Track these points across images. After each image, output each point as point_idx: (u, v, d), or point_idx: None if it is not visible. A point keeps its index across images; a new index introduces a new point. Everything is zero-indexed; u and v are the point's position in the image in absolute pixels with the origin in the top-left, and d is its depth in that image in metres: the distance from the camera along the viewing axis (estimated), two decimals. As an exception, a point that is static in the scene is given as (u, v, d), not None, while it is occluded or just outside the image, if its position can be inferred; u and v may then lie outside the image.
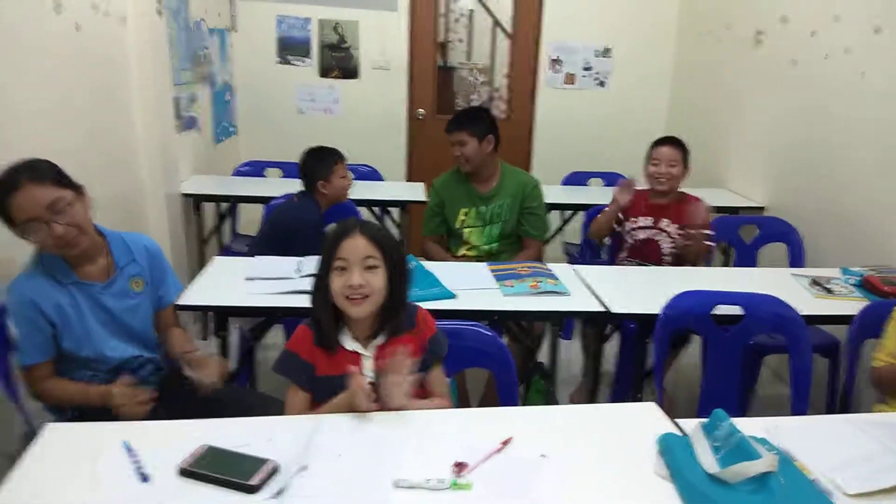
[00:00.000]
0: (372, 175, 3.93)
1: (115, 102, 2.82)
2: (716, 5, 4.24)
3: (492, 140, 2.91)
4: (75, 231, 1.69)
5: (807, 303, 2.29)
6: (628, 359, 2.52)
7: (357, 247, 1.50)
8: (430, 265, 2.44)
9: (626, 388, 2.44)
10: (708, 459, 1.30)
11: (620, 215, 2.91)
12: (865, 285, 2.41)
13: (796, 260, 3.09)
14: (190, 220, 3.47)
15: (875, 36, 2.86)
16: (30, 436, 1.40)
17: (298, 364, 1.56)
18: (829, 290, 2.39)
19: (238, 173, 3.98)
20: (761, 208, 3.61)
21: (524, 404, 2.49)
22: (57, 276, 1.74)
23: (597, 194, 3.84)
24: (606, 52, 4.76)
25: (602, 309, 2.16)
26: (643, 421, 1.51)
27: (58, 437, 1.36)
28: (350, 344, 1.58)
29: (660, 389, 2.12)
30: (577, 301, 2.22)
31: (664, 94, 4.85)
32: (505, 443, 1.38)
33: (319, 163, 2.72)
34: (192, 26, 3.70)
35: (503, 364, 1.79)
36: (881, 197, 2.79)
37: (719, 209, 3.61)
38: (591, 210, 3.23)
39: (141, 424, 1.43)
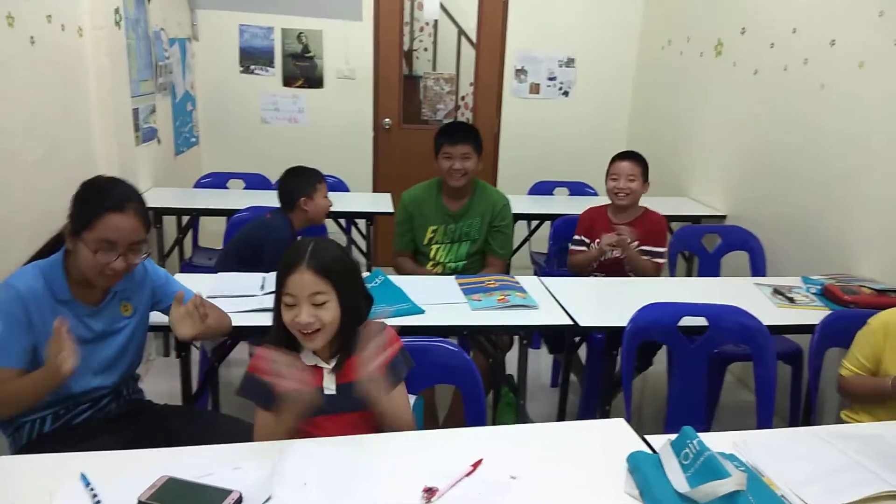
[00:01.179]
0: (338, 186, 3.89)
1: (73, 116, 2.74)
2: (677, 16, 4.30)
3: (483, 157, 2.92)
4: (126, 272, 1.70)
5: (770, 312, 2.32)
6: (596, 371, 2.53)
7: (304, 283, 1.45)
8: (398, 279, 2.42)
9: (594, 401, 2.45)
10: (678, 478, 1.30)
11: (584, 237, 2.93)
12: (826, 294, 2.45)
13: (758, 268, 3.14)
14: (150, 235, 3.38)
15: (831, 49, 2.92)
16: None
17: (259, 385, 1.52)
18: (791, 300, 2.43)
19: (200, 185, 3.90)
20: (723, 217, 3.66)
21: (493, 417, 2.49)
22: (54, 288, 1.67)
23: (562, 204, 3.88)
24: (570, 62, 4.80)
25: (570, 322, 2.16)
26: (612, 438, 1.50)
27: (13, 469, 1.30)
28: (310, 359, 1.55)
29: (628, 403, 2.13)
30: (545, 315, 2.21)
31: (627, 103, 4.90)
32: (475, 465, 1.36)
33: (302, 180, 2.67)
34: (152, 36, 3.62)
35: (469, 380, 1.77)
36: (839, 206, 2.85)
37: (682, 218, 3.67)
38: (558, 221, 3.24)
39: (100, 455, 1.38)
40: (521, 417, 2.39)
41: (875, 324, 1.96)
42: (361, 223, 3.71)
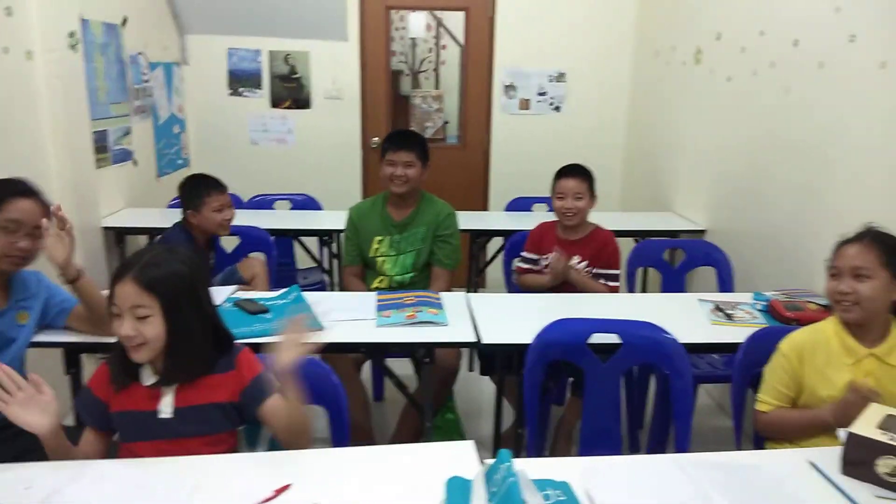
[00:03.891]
0: (308, 204, 3.88)
1: (24, 139, 2.81)
2: (662, 26, 4.16)
3: (428, 167, 2.86)
4: (30, 256, 1.82)
5: (699, 329, 2.17)
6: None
7: (126, 294, 1.41)
8: (315, 295, 2.36)
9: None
10: (479, 506, 1.19)
11: (531, 254, 2.82)
12: (770, 310, 2.27)
13: (725, 284, 2.95)
14: (112, 253, 3.44)
15: (795, 49, 2.75)
16: None
17: (90, 401, 1.49)
18: (728, 316, 2.25)
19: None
20: (702, 231, 3.48)
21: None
22: None
23: (540, 219, 3.74)
24: (560, 77, 4.69)
25: (472, 339, 2.06)
26: (450, 463, 1.39)
27: None
28: (148, 379, 1.50)
29: (531, 429, 2.00)
30: (452, 331, 2.11)
31: (620, 116, 4.75)
32: (279, 490, 1.28)
33: (191, 192, 2.66)
34: (127, 60, 3.71)
35: (334, 402, 1.69)
36: (803, 219, 2.66)
37: (657, 233, 3.50)
38: (514, 237, 3.12)
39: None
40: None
41: (786, 348, 1.79)
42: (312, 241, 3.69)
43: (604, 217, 3.50)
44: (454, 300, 2.37)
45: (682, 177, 3.85)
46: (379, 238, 2.87)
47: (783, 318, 2.19)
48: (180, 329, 1.45)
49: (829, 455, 1.43)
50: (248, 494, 1.26)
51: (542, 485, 1.27)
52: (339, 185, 4.61)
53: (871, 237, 1.71)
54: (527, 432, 2.01)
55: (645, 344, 1.98)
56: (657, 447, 2.40)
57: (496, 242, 3.66)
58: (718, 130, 3.40)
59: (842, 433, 1.41)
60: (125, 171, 3.70)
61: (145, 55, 3.96)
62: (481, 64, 4.67)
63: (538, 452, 1.97)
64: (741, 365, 1.96)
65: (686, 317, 2.29)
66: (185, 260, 1.53)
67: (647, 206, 4.25)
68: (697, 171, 3.66)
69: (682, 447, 1.91)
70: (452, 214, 2.92)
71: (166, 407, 1.49)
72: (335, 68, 4.63)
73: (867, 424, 1.39)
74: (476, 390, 3.15)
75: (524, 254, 2.85)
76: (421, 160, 2.80)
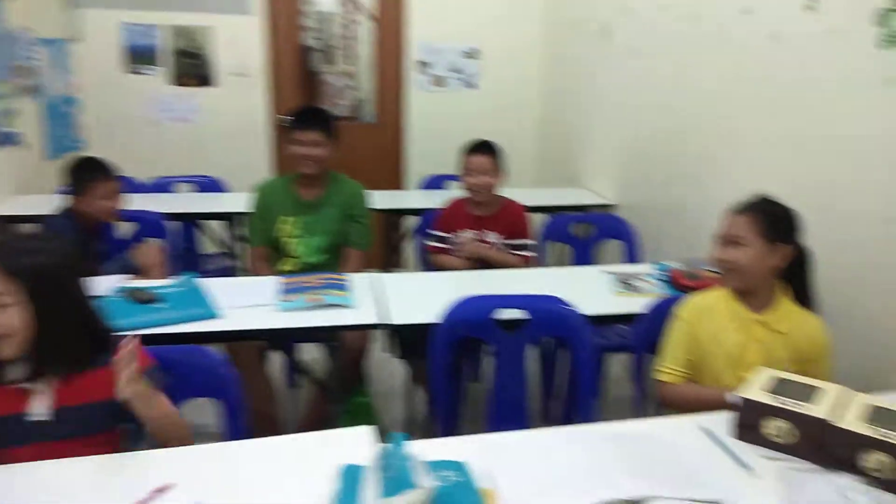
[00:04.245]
0: (213, 186, 3.72)
1: None
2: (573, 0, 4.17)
3: (338, 145, 2.76)
4: None
5: (604, 301, 2.19)
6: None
7: None
8: (215, 282, 2.26)
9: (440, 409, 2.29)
10: (370, 492, 1.15)
11: (443, 233, 2.78)
12: (671, 280, 2.32)
13: (632, 256, 3.00)
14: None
15: (697, 23, 2.79)
16: None
17: None
18: (632, 287, 2.29)
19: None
20: (612, 206, 3.53)
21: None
22: None
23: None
24: (474, 54, 4.65)
25: (378, 321, 2.01)
26: (346, 450, 1.34)
27: None
28: (14, 377, 1.38)
29: (440, 410, 1.98)
30: (357, 314, 2.06)
31: (534, 94, 4.76)
32: (158, 490, 1.20)
33: (76, 177, 2.49)
34: (11, 36, 3.43)
35: (226, 392, 1.61)
36: (707, 190, 2.73)
37: (570, 208, 3.53)
38: (428, 215, 3.07)
39: None
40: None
41: (683, 312, 1.83)
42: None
43: (518, 193, 3.50)
44: (364, 281, 2.31)
45: (594, 153, 3.89)
46: (287, 218, 2.77)
47: (683, 287, 2.24)
48: (49, 321, 1.34)
49: (721, 421, 1.46)
50: (124, 496, 1.18)
51: (437, 466, 1.24)
52: (247, 166, 4.42)
53: (752, 206, 1.74)
54: (436, 412, 1.98)
55: (548, 317, 1.99)
56: (568, 419, 2.43)
57: (413, 222, 3.61)
58: (627, 106, 3.44)
59: (735, 397, 1.44)
60: (11, 154, 3.45)
61: (32, 31, 3.68)
62: (394, 40, 4.58)
63: (450, 432, 1.95)
64: (642, 334, 1.99)
65: (591, 289, 2.32)
66: (56, 246, 1.41)
67: (561, 182, 4.29)
68: (608, 146, 3.71)
69: (586, 417, 1.93)
70: (363, 194, 2.85)
71: (40, 408, 1.38)
72: (240, 44, 4.43)
73: (757, 389, 1.43)
74: (394, 372, 3.11)
75: (435, 232, 2.82)
76: (330, 139, 2.71)
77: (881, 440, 1.23)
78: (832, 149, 2.08)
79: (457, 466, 1.26)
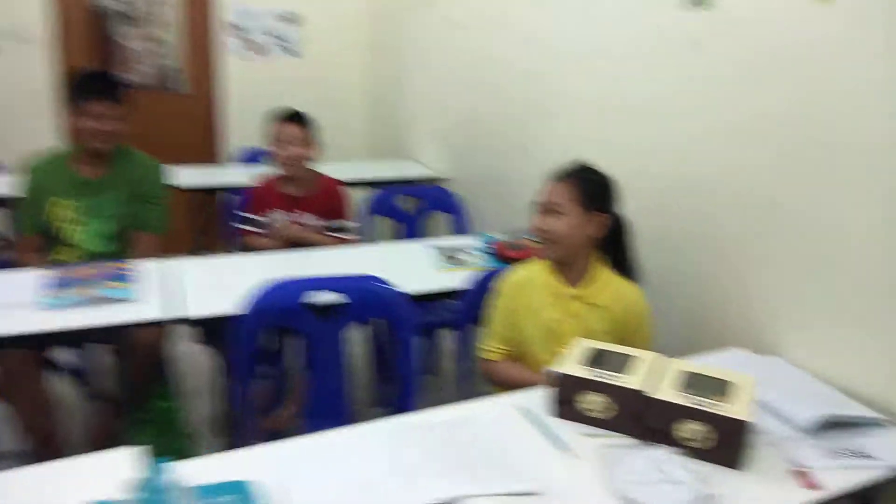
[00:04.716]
0: (-18, 167, 3.16)
1: None
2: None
3: (130, 117, 2.35)
4: None
5: (428, 277, 2.06)
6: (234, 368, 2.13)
7: None
8: None
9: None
10: (116, 537, 0.92)
11: (254, 215, 2.52)
12: (495, 252, 2.23)
13: (460, 229, 2.91)
14: None
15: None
16: None
17: None
18: (456, 261, 2.18)
19: None
20: (442, 178, 3.43)
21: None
22: None
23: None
24: (294, 18, 4.34)
25: (161, 316, 1.73)
26: (100, 480, 1.08)
27: None
28: None
29: (240, 410, 1.74)
30: (139, 308, 1.77)
31: (360, 63, 4.53)
32: None
33: None
34: None
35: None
36: (531, 160, 2.67)
37: (398, 182, 3.38)
38: (241, 193, 2.77)
39: None
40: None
41: (503, 289, 1.73)
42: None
43: (346, 167, 3.31)
44: (157, 269, 2.01)
45: (423, 125, 3.76)
46: (63, 201, 2.36)
47: (506, 258, 2.16)
48: None
49: (539, 399, 1.37)
50: None
51: (214, 491, 1.03)
52: (28, 144, 3.83)
53: (570, 174, 1.67)
54: (235, 417, 1.75)
55: (365, 298, 1.81)
56: (403, 402, 2.29)
57: (229, 200, 3.28)
58: (452, 78, 3.33)
59: (551, 373, 1.35)
60: None
61: None
62: (204, 1, 4.15)
63: (252, 436, 1.73)
64: (466, 309, 1.87)
65: (416, 265, 2.19)
66: None
67: (392, 155, 4.13)
68: (436, 119, 3.59)
69: (406, 404, 1.79)
70: (158, 170, 2.49)
71: None
72: (15, 3, 3.81)
73: (574, 362, 1.35)
74: (202, 365, 2.80)
75: (246, 214, 2.54)
76: (123, 107, 2.31)
77: (694, 408, 1.18)
78: (645, 113, 2.06)
79: (239, 488, 1.05)
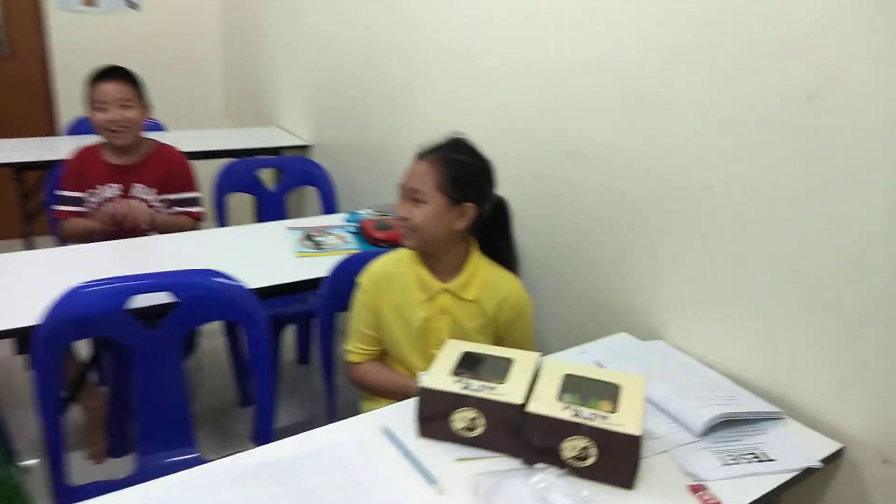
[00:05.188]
0: None
1: None
2: None
3: None
4: None
5: (282, 266, 1.79)
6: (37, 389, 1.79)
7: None
8: None
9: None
10: None
11: (73, 192, 2.13)
12: (361, 232, 1.99)
13: (329, 205, 2.63)
14: None
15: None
16: None
17: None
18: (317, 245, 1.92)
19: None
20: (307, 147, 3.11)
21: None
22: None
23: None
24: (131, -35, 3.81)
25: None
26: None
27: None
28: None
29: (48, 436, 1.42)
30: None
31: (213, 18, 4.08)
32: None
33: None
34: None
35: None
36: (401, 128, 2.42)
37: (261, 151, 3.04)
38: (53, 176, 2.34)
39: None
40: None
41: (365, 281, 1.50)
42: None
43: (204, 135, 2.96)
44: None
45: (285, 87, 3.41)
46: None
47: (374, 241, 1.93)
48: None
49: (405, 416, 1.16)
50: None
51: None
52: None
53: (438, 155, 1.43)
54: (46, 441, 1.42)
55: (202, 298, 1.52)
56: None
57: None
58: (317, 36, 2.99)
59: (418, 385, 1.14)
60: None
61: None
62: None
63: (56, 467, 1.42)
64: (324, 303, 1.63)
65: (271, 251, 1.91)
66: None
67: (254, 121, 3.75)
68: (299, 80, 3.24)
69: (265, 429, 1.53)
70: None
71: None
72: None
73: (441, 371, 1.14)
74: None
75: (63, 192, 2.15)
76: None
77: (581, 424, 1.01)
78: (525, 76, 1.83)
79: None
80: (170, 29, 3.96)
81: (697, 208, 1.38)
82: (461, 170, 1.41)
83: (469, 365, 1.15)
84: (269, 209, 2.62)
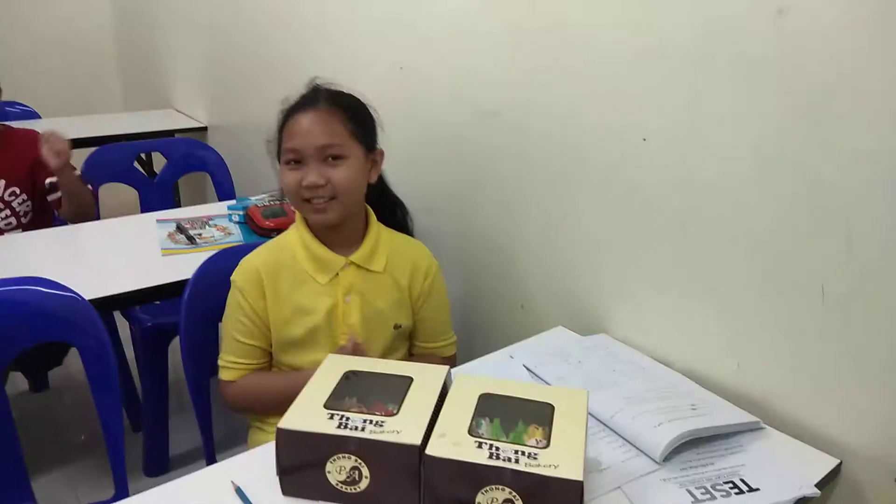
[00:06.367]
0: None
1: None
2: None
3: None
4: None
5: (142, 267, 1.46)
6: None
7: None
8: None
9: None
10: None
11: None
12: (248, 220, 1.66)
13: (224, 193, 2.28)
14: None
15: None
16: None
17: None
18: (191, 239, 1.58)
19: None
20: (204, 129, 2.75)
21: None
22: None
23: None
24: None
25: None
26: None
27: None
28: None
29: None
30: None
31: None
32: None
33: None
34: None
35: None
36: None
37: (155, 135, 2.67)
38: None
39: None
40: None
41: (239, 279, 1.19)
42: None
43: (99, 120, 2.61)
44: None
45: (180, 67, 3.03)
46: None
47: (262, 230, 1.61)
48: None
49: (265, 466, 0.84)
50: None
51: None
52: None
53: (332, 101, 1.15)
54: None
55: (20, 316, 1.17)
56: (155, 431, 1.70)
57: None
58: (208, 9, 2.62)
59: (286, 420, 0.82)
60: None
61: None
62: None
63: None
64: (187, 312, 1.29)
65: (132, 250, 1.57)
66: None
67: (151, 105, 3.36)
68: (193, 59, 2.88)
69: (152, 459, 1.20)
70: None
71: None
72: None
73: (310, 403, 0.83)
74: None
75: None
76: None
77: (504, 468, 0.72)
78: (440, 37, 1.53)
79: None
80: (53, 7, 3.53)
81: (632, 165, 1.11)
82: (363, 111, 1.19)
83: (351, 390, 0.85)
84: (156, 201, 2.24)
